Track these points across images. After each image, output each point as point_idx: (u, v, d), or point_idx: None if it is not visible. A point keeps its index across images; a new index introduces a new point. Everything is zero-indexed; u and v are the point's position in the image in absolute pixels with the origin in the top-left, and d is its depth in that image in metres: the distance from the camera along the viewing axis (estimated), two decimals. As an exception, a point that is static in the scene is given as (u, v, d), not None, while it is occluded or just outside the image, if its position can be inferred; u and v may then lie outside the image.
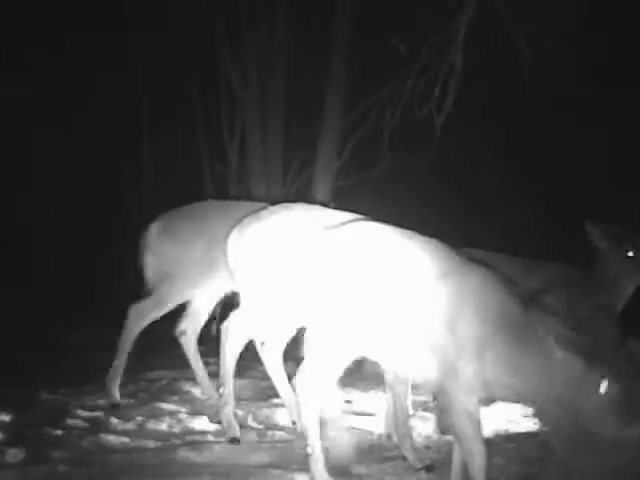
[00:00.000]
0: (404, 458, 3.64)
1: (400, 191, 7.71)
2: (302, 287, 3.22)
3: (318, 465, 3.22)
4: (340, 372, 3.27)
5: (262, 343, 4.21)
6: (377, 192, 7.52)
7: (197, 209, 4.70)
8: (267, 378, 4.98)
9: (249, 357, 5.25)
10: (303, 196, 7.60)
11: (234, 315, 3.93)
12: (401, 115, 7.25)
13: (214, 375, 4.70)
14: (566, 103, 7.94)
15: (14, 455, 3.59)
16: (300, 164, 8.16)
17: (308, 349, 3.22)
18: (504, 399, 2.91)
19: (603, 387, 2.61)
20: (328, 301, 3.10)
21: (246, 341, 3.96)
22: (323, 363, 3.18)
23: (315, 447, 3.21)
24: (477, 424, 2.85)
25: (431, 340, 2.87)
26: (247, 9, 7.58)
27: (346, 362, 3.22)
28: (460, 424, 2.86)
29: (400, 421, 3.67)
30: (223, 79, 8.34)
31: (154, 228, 4.62)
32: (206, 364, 5.25)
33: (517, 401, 2.99)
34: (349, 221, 3.29)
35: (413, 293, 2.91)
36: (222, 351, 3.94)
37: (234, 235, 3.88)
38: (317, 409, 3.23)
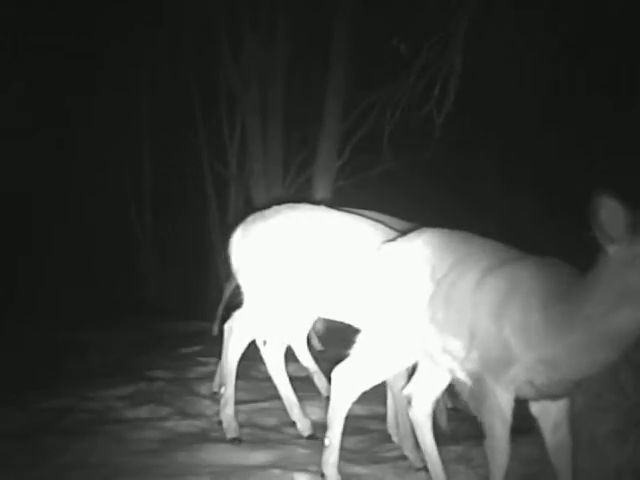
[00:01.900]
0: (404, 458, 3.64)
1: (400, 191, 7.71)
2: (361, 295, 3.28)
3: (331, 458, 3.25)
4: (382, 378, 3.32)
5: (264, 342, 4.20)
6: (377, 192, 7.52)
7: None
8: (267, 378, 4.98)
9: (249, 357, 5.26)
10: (303, 196, 7.61)
11: (238, 315, 3.92)
12: (401, 115, 7.25)
13: (212, 376, 4.71)
14: (565, 102, 7.94)
15: None
16: (300, 164, 8.17)
17: (360, 348, 3.25)
18: (562, 392, 2.83)
19: None
20: (388, 310, 3.15)
21: (250, 341, 3.96)
22: (372, 365, 3.22)
23: (334, 440, 3.24)
24: (506, 423, 2.81)
25: (476, 333, 2.86)
26: (247, 12, 7.59)
27: (393, 369, 3.28)
28: (489, 419, 2.83)
29: (401, 421, 3.67)
30: (223, 81, 8.36)
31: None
32: (205, 364, 5.25)
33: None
34: (413, 230, 3.32)
35: (462, 292, 2.92)
36: (225, 351, 3.93)
37: (238, 234, 3.89)
38: (348, 405, 3.25)
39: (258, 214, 3.90)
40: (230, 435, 3.86)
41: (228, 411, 3.89)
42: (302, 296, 3.78)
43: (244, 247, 3.84)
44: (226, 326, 3.95)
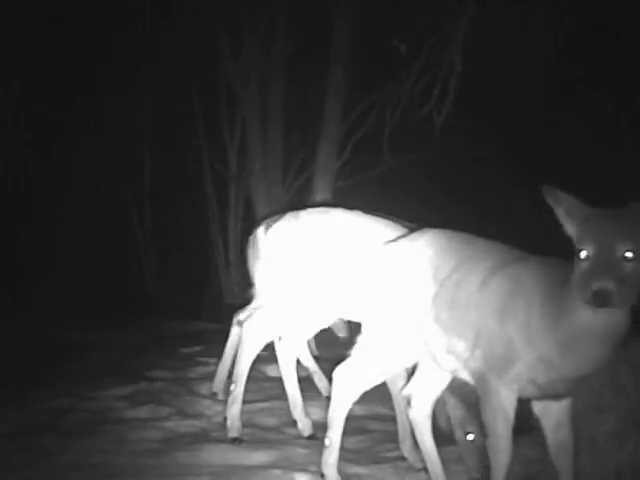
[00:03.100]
0: (404, 458, 3.63)
1: (400, 191, 7.71)
2: (363, 294, 3.28)
3: (331, 459, 3.25)
4: (383, 378, 3.31)
5: (280, 337, 4.19)
6: (377, 192, 7.52)
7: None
8: (267, 379, 4.99)
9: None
10: (303, 196, 7.62)
11: (258, 314, 3.92)
12: (401, 115, 7.26)
13: (212, 376, 4.70)
14: (565, 100, 7.95)
15: None
16: (300, 164, 8.17)
17: (361, 348, 3.24)
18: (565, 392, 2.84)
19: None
20: (389, 310, 3.15)
21: (267, 342, 3.94)
22: (373, 365, 3.22)
23: (334, 440, 3.24)
24: (509, 422, 2.82)
25: (480, 333, 2.86)
26: (247, 12, 7.59)
27: (393, 369, 3.28)
28: (492, 418, 2.83)
29: (401, 421, 3.67)
30: (223, 81, 8.36)
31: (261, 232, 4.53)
32: (205, 364, 5.25)
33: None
34: (413, 231, 3.32)
35: (466, 293, 2.92)
36: (240, 350, 3.91)
37: (271, 233, 3.88)
38: (348, 405, 3.26)
39: (292, 214, 3.90)
40: (232, 434, 3.86)
41: (234, 410, 3.89)
42: (328, 298, 3.77)
43: (276, 246, 3.84)
44: (245, 325, 3.95)
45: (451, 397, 3.44)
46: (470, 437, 3.38)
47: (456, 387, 3.29)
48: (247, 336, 3.89)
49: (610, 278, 2.45)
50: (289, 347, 4.20)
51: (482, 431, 2.96)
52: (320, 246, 3.73)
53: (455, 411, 3.47)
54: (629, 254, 2.49)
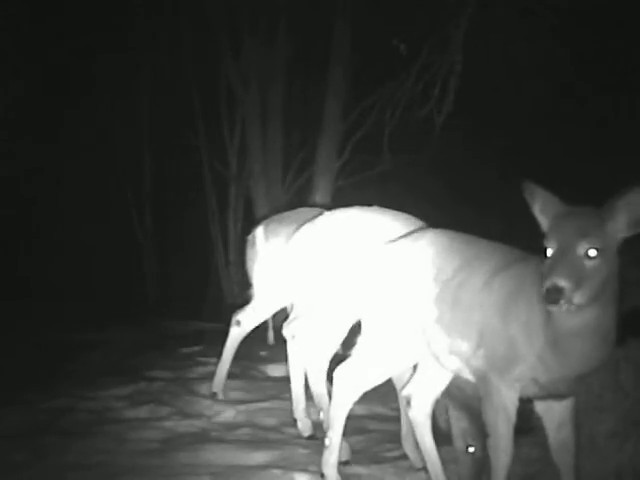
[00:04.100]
0: (404, 458, 3.63)
1: (400, 191, 7.71)
2: (362, 293, 3.26)
3: (331, 459, 3.24)
4: (384, 378, 3.30)
5: (293, 336, 4.18)
6: (377, 192, 7.51)
7: (298, 214, 4.56)
8: (267, 378, 4.99)
9: (249, 357, 5.26)
10: (303, 196, 7.62)
11: (300, 322, 3.95)
12: (401, 115, 7.26)
13: (212, 376, 4.70)
14: (567, 101, 7.95)
15: None
16: (300, 164, 8.18)
17: (361, 348, 3.23)
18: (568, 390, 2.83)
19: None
20: (390, 310, 3.13)
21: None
22: (374, 365, 3.21)
23: (334, 440, 3.24)
24: (510, 421, 2.80)
25: (483, 333, 2.86)
26: (247, 12, 7.60)
27: (394, 369, 3.26)
28: (493, 418, 2.81)
29: (404, 419, 3.66)
30: (223, 81, 8.37)
31: (259, 233, 4.51)
32: (205, 364, 5.25)
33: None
34: (412, 231, 3.31)
35: (470, 293, 2.91)
36: (290, 359, 4.03)
37: (305, 235, 3.85)
38: (349, 405, 3.25)
39: (329, 213, 3.87)
40: (306, 433, 3.97)
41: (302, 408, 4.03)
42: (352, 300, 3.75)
43: (314, 249, 3.77)
44: (285, 333, 4.03)
45: (455, 409, 3.42)
46: (471, 450, 3.36)
47: (460, 399, 3.28)
48: (294, 343, 4.02)
49: (562, 275, 2.42)
50: (302, 345, 4.18)
51: (484, 445, 2.95)
52: (334, 247, 3.70)
53: (459, 423, 3.45)
54: (592, 252, 2.45)
